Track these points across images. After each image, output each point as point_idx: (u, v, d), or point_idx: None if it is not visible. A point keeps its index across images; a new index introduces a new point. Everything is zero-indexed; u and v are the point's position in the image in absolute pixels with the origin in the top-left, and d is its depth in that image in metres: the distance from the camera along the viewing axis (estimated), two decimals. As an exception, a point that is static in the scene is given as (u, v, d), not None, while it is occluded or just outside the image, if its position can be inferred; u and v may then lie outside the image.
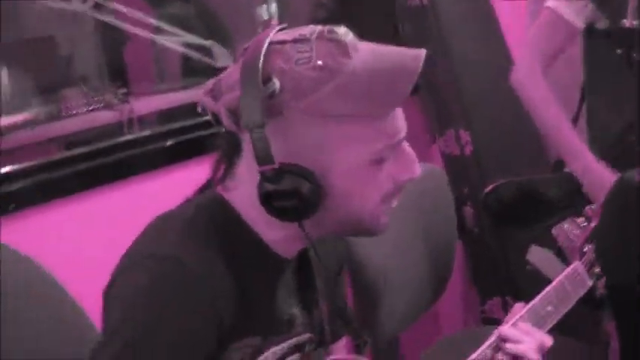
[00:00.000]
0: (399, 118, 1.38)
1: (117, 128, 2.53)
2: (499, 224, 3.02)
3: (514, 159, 3.31)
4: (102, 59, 2.80)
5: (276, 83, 1.29)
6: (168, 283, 1.28)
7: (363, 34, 1.37)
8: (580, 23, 2.66)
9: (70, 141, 2.45)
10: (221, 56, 2.73)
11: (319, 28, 1.34)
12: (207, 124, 2.48)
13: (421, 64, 1.31)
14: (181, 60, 2.91)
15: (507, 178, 2.87)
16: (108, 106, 2.56)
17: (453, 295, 3.43)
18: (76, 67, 2.77)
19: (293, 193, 1.30)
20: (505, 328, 1.64)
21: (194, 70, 2.84)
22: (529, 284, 3.06)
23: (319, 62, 1.29)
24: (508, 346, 1.60)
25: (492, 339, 1.62)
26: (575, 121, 2.83)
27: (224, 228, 1.38)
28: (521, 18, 3.48)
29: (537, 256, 2.77)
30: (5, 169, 2.19)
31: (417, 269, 2.59)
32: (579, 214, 2.63)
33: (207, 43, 2.76)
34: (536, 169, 3.13)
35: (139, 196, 2.37)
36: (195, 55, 2.76)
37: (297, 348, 1.51)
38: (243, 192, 1.40)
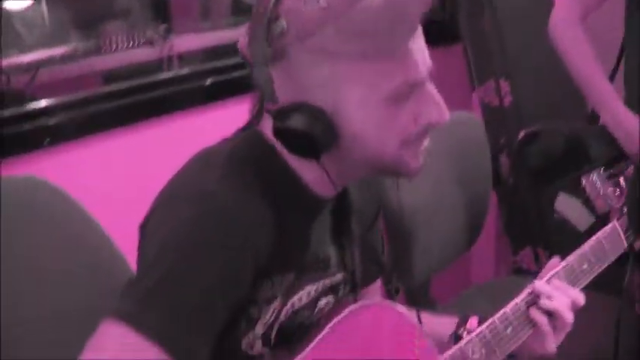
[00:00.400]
0: (418, 57, 1.34)
1: (156, 65, 2.54)
2: (530, 171, 3.01)
3: (553, 112, 3.28)
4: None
5: (283, 23, 1.29)
6: (208, 218, 1.28)
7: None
8: None
9: (108, 76, 2.46)
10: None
11: None
12: (246, 64, 2.51)
13: (427, 4, 1.29)
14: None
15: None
16: (148, 43, 2.55)
17: (486, 244, 3.43)
18: (119, 2, 2.73)
19: (302, 130, 1.31)
20: (539, 284, 1.63)
21: (241, 9, 2.83)
22: (560, 236, 3.08)
23: (323, 3, 1.28)
24: (541, 301, 1.60)
25: (526, 293, 1.62)
26: (612, 77, 2.80)
27: (264, 166, 1.38)
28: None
29: (565, 204, 2.77)
30: (42, 103, 2.20)
31: (451, 215, 2.61)
32: (610, 166, 2.63)
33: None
34: (575, 122, 3.10)
35: (176, 134, 2.38)
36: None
37: (332, 289, 1.54)
38: None
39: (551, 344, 1.62)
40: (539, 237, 3.29)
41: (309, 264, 1.47)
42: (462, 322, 1.63)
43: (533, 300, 1.61)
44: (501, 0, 3.24)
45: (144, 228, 1.37)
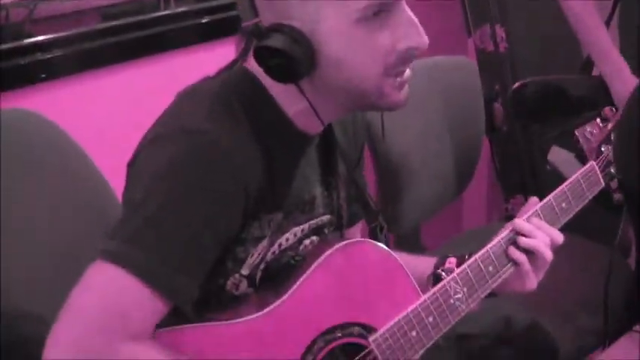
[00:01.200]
0: None
1: (154, 3, 2.53)
2: (525, 121, 3.02)
3: (548, 59, 3.29)
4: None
5: None
6: (195, 154, 1.29)
7: None
8: None
9: (106, 13, 2.45)
10: None
11: None
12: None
13: None
14: None
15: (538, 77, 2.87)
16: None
17: (478, 191, 3.46)
18: None
19: (281, 50, 1.29)
20: (519, 222, 1.63)
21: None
22: (552, 184, 3.09)
23: None
24: (521, 240, 1.60)
25: (507, 232, 1.62)
26: (607, 23, 2.80)
27: (250, 102, 1.38)
28: None
29: (557, 156, 2.77)
30: (39, 38, 2.20)
31: (442, 159, 2.61)
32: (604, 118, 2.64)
33: None
34: (569, 70, 3.10)
35: (173, 72, 2.38)
36: None
37: (317, 230, 1.55)
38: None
39: (532, 282, 1.62)
40: (531, 185, 3.31)
41: (296, 203, 1.48)
42: (441, 262, 1.63)
43: (514, 238, 1.61)
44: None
45: (130, 167, 1.37)
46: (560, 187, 1.76)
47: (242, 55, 1.43)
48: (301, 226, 1.50)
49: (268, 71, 1.33)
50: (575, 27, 2.73)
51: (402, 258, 1.52)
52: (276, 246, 1.46)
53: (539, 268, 1.62)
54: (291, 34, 1.29)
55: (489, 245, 1.59)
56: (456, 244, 2.73)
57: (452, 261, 1.62)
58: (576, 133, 2.71)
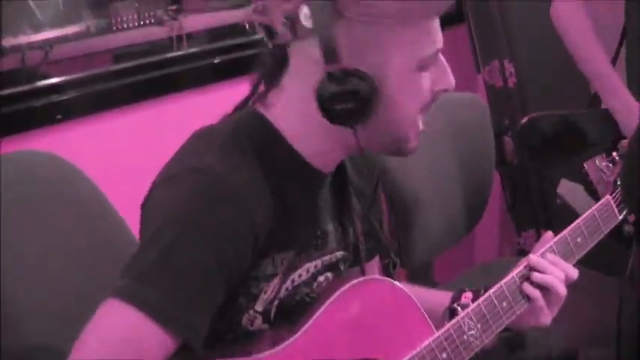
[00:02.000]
0: (439, 30, 1.42)
1: (166, 44, 2.57)
2: (534, 155, 3.03)
3: (557, 93, 3.30)
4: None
5: None
6: (207, 194, 1.31)
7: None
8: None
9: (119, 54, 2.49)
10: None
11: None
12: (254, 43, 2.52)
13: None
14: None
15: (547, 111, 2.88)
16: (158, 22, 2.59)
17: (490, 225, 3.46)
18: None
19: (354, 95, 1.34)
20: (533, 258, 1.64)
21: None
22: (563, 218, 3.09)
23: None
24: (535, 275, 1.61)
25: (521, 267, 1.63)
26: (614, 61, 2.82)
27: (262, 142, 1.41)
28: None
29: (567, 189, 2.78)
30: (54, 80, 2.24)
31: (453, 196, 2.62)
32: (612, 150, 2.65)
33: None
34: (578, 104, 3.11)
35: (186, 112, 2.41)
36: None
37: (331, 267, 1.56)
38: (287, 105, 1.43)
39: (546, 318, 1.63)
40: (542, 219, 3.31)
41: (309, 240, 1.50)
42: (457, 297, 1.64)
43: (528, 274, 1.62)
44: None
45: (144, 207, 1.39)
46: (575, 222, 1.77)
47: (261, 98, 1.47)
48: (314, 262, 1.52)
49: (328, 113, 1.36)
50: (580, 63, 2.75)
51: (417, 292, 1.53)
52: (289, 282, 1.47)
53: (553, 303, 1.63)
54: (364, 78, 1.35)
55: (503, 281, 1.60)
56: (468, 278, 2.72)
57: (467, 296, 1.62)
58: (585, 167, 2.73)
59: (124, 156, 2.30)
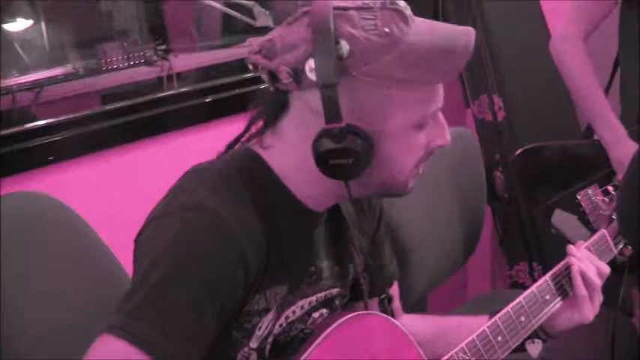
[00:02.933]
0: (441, 87, 1.44)
1: (156, 84, 2.58)
2: (528, 187, 3.04)
3: (546, 126, 3.32)
4: (142, 15, 2.82)
5: (346, 46, 1.34)
6: (198, 231, 1.33)
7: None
8: None
9: (109, 95, 2.50)
10: (261, 16, 2.77)
11: None
12: (246, 82, 2.52)
13: (473, 40, 1.37)
14: (222, 18, 2.93)
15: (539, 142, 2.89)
16: (148, 62, 2.60)
17: (482, 259, 3.46)
18: (116, 22, 2.78)
19: (350, 152, 1.36)
20: (573, 247, 1.77)
21: (233, 29, 2.88)
22: (556, 251, 3.09)
23: (386, 29, 1.35)
24: (575, 263, 1.74)
25: (542, 280, 1.73)
26: (606, 91, 2.84)
27: (256, 180, 1.43)
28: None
29: (561, 220, 2.79)
30: (45, 121, 2.23)
31: (447, 230, 2.63)
32: (605, 181, 2.67)
33: (249, 3, 2.79)
34: (567, 136, 3.13)
35: (178, 152, 2.41)
36: (235, 14, 2.79)
37: (325, 303, 1.57)
38: (284, 149, 1.45)
39: (589, 312, 1.74)
40: (534, 252, 3.32)
41: (302, 277, 1.51)
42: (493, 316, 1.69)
43: (562, 273, 1.73)
44: (493, 16, 3.28)
45: (137, 242, 1.40)
46: (587, 242, 1.83)
47: (256, 137, 1.49)
48: (308, 299, 1.53)
49: (324, 168, 1.38)
50: (573, 92, 2.77)
51: (453, 320, 1.67)
52: (282, 319, 1.48)
53: (592, 295, 1.74)
54: (362, 136, 1.37)
55: (534, 286, 1.70)
56: (463, 312, 2.72)
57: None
58: (579, 197, 2.75)
59: (116, 196, 2.29)
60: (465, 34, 1.38)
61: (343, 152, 1.36)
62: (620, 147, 2.65)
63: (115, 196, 2.30)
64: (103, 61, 2.53)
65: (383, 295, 1.66)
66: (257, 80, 2.53)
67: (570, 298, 1.74)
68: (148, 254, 1.34)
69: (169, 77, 2.57)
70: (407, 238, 2.41)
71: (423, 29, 1.38)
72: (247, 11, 2.81)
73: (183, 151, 2.37)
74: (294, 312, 1.50)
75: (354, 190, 1.43)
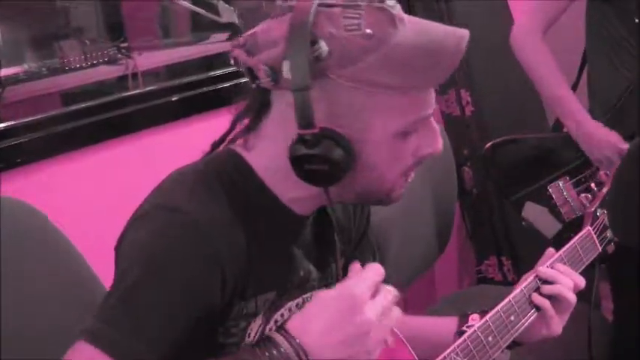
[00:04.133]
0: (432, 92, 1.38)
1: (120, 83, 2.52)
2: (498, 181, 3.04)
3: (514, 121, 3.32)
4: (101, 12, 2.75)
5: (324, 47, 1.28)
6: (173, 234, 1.29)
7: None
8: None
9: (71, 95, 2.43)
10: (226, 12, 2.72)
11: None
12: (213, 79, 2.47)
13: (465, 45, 1.31)
14: (190, 14, 2.87)
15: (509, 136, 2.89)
16: (111, 61, 2.53)
17: (449, 255, 3.45)
18: (74, 19, 2.69)
19: (326, 159, 1.30)
20: (542, 269, 1.70)
21: (199, 26, 2.82)
22: (525, 244, 3.10)
23: (368, 30, 1.28)
24: (544, 287, 1.68)
25: (528, 280, 1.68)
26: (575, 85, 2.85)
27: (237, 183, 1.39)
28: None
29: (532, 212, 2.80)
30: (7, 124, 2.17)
31: (419, 227, 2.63)
32: (576, 172, 2.68)
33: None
34: (536, 130, 3.13)
35: (147, 151, 2.36)
36: (200, 10, 2.74)
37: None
38: (266, 150, 1.40)
39: (557, 326, 1.70)
40: (503, 246, 3.32)
41: (290, 281, 1.47)
42: (464, 320, 1.68)
43: (536, 286, 1.68)
44: (460, 11, 3.28)
45: (118, 248, 1.37)
46: (557, 253, 1.78)
47: (240, 137, 1.45)
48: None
49: (300, 174, 1.33)
50: (539, 87, 2.78)
51: (421, 321, 1.62)
52: (272, 323, 1.44)
53: (563, 311, 1.70)
54: (340, 142, 1.31)
55: (511, 295, 1.65)
56: (437, 312, 2.71)
57: (474, 317, 1.66)
58: (549, 190, 2.77)
59: (86, 198, 2.23)
60: (454, 36, 1.32)
61: (317, 158, 1.30)
62: (586, 132, 2.67)
63: (84, 198, 2.23)
64: (65, 60, 2.46)
65: None
66: (225, 77, 2.51)
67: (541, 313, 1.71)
68: (125, 257, 1.32)
69: (134, 75, 2.51)
70: (377, 236, 2.37)
71: (412, 30, 1.31)
72: (212, 7, 2.77)
73: (152, 151, 2.33)
74: (282, 315, 1.46)
75: (334, 195, 1.38)
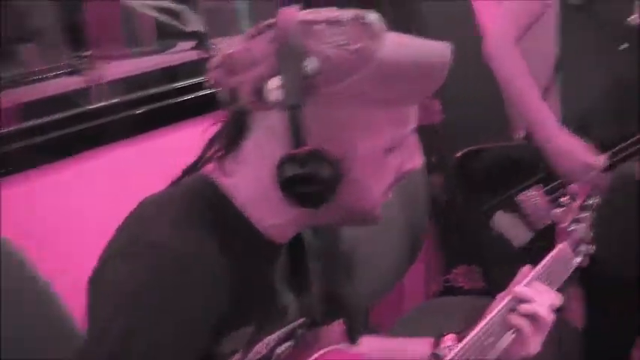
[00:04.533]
0: (416, 106, 1.37)
1: (84, 94, 2.41)
2: (468, 190, 3.02)
3: (483, 129, 3.31)
4: (60, 19, 2.64)
5: (314, 63, 1.25)
6: (162, 275, 1.24)
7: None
8: None
9: (31, 109, 2.33)
10: (192, 21, 2.67)
11: (352, 12, 1.30)
12: (180, 91, 2.40)
13: (449, 56, 1.30)
14: (154, 23, 2.77)
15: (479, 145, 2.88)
16: (74, 71, 2.44)
17: (417, 264, 3.43)
18: (32, 26, 2.56)
19: (317, 179, 1.27)
20: (518, 288, 1.67)
21: (167, 33, 2.75)
22: (495, 253, 3.09)
23: (356, 45, 1.26)
24: (521, 307, 1.63)
25: (505, 301, 1.65)
26: (546, 93, 2.85)
27: (216, 214, 1.34)
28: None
29: (503, 222, 2.81)
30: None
31: (391, 238, 2.60)
32: (546, 182, 2.67)
33: (178, 7, 2.68)
34: (504, 139, 3.13)
35: (115, 166, 2.24)
36: (164, 18, 2.68)
37: (289, 335, 1.49)
38: (246, 175, 1.36)
39: (535, 346, 1.65)
40: (474, 254, 3.30)
41: (269, 315, 1.44)
42: (438, 342, 1.66)
43: (513, 306, 1.65)
44: (428, 18, 3.28)
45: (94, 284, 1.30)
46: (533, 272, 1.75)
47: (217, 162, 1.40)
48: (273, 335, 1.45)
49: (290, 195, 1.30)
50: (509, 95, 2.78)
51: (395, 344, 1.61)
52: (249, 358, 1.40)
53: (540, 330, 1.65)
54: (330, 161, 1.28)
55: (489, 316, 1.61)
56: (406, 323, 2.71)
57: (448, 338, 1.65)
58: (519, 198, 2.77)
59: (51, 216, 2.15)
60: (440, 49, 1.30)
61: (310, 178, 1.27)
62: (556, 144, 2.67)
63: (49, 216, 2.15)
64: (24, 72, 2.37)
65: (351, 328, 1.61)
66: (191, 88, 2.43)
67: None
68: (106, 302, 1.26)
69: (98, 87, 2.42)
70: (348, 250, 2.35)
71: (396, 45, 1.30)
72: (176, 15, 2.71)
73: (120, 165, 2.22)
74: (259, 352, 1.42)
75: (320, 217, 1.36)
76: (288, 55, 1.26)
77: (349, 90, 1.27)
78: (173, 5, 2.69)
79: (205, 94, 2.29)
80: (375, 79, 1.27)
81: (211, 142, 1.41)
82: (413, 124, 1.36)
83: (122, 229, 1.33)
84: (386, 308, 3.03)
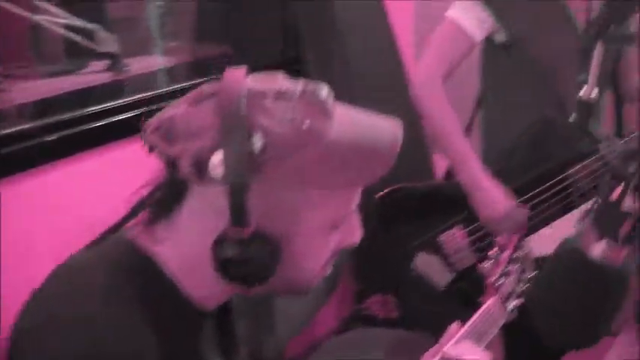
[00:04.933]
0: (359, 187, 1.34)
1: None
2: (389, 229, 2.97)
3: (400, 169, 3.27)
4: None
5: (260, 140, 1.19)
6: (94, 347, 1.18)
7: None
8: (479, 35, 2.71)
9: None
10: (105, 41, 2.54)
11: (301, 85, 1.25)
12: (94, 116, 2.24)
13: (400, 136, 1.28)
14: (64, 41, 2.65)
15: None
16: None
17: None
18: None
19: (256, 262, 1.23)
20: (447, 350, 1.63)
21: (76, 52, 2.62)
22: (412, 283, 3.05)
23: (304, 124, 1.21)
24: None
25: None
26: (467, 130, 2.85)
27: (145, 284, 1.29)
28: (410, 19, 3.49)
29: (424, 262, 2.79)
30: None
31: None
32: (467, 222, 2.64)
33: (92, 26, 2.55)
34: (422, 179, 3.10)
35: (28, 196, 2.03)
36: (75, 37, 2.55)
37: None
38: (179, 244, 1.30)
39: None
40: (390, 285, 3.26)
41: None
42: None
43: None
44: (349, 50, 3.20)
45: (20, 355, 1.23)
46: (462, 330, 1.72)
47: (146, 226, 1.34)
48: None
49: (225, 275, 1.25)
50: (436, 137, 2.78)
51: None
52: None
53: None
54: (271, 243, 1.24)
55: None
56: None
57: None
58: (441, 238, 2.75)
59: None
60: (390, 130, 1.28)
61: (248, 261, 1.22)
62: (477, 188, 2.70)
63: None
64: None
65: None
66: (106, 113, 2.27)
67: None
68: None
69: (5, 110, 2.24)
70: (267, 297, 2.28)
71: (346, 124, 1.25)
72: (89, 34, 2.58)
73: (33, 195, 2.02)
74: None
75: (254, 290, 1.30)
76: (233, 130, 1.19)
77: (297, 170, 1.22)
78: (86, 24, 2.56)
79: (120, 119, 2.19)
80: (323, 161, 1.23)
81: (140, 205, 1.35)
82: (357, 201, 1.34)
83: (43, 300, 1.27)
84: (298, 339, 2.97)
